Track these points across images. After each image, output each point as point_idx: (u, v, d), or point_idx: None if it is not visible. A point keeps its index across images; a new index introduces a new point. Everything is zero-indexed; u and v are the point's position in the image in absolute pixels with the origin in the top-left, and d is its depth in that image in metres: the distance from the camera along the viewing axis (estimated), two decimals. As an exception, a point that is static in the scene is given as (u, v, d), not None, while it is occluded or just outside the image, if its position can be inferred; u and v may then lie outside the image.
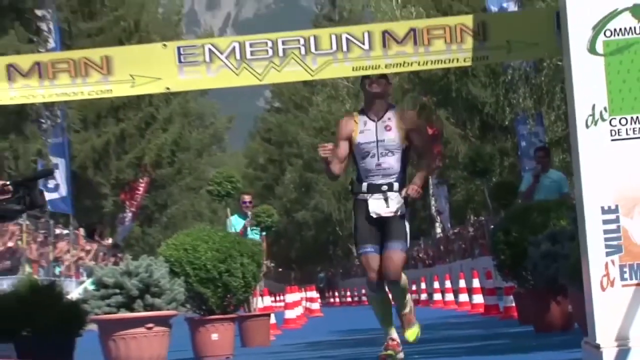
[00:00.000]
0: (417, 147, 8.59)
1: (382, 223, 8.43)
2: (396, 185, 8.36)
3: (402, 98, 47.46)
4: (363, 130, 8.38)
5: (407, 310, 9.02)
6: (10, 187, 7.07)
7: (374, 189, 8.37)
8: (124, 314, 10.46)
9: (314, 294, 36.99)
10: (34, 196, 7.31)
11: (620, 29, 5.60)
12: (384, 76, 8.40)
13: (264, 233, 17.78)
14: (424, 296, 35.76)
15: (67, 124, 40.58)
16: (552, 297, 12.21)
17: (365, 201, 8.42)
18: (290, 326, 23.40)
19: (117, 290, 10.46)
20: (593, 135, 5.56)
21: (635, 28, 5.59)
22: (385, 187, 8.34)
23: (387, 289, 8.79)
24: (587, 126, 5.49)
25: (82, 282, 28.43)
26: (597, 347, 5.58)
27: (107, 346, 10.58)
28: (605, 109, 5.61)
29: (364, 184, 8.43)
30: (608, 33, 5.64)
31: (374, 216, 8.32)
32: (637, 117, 5.63)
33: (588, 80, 5.66)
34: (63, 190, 39.07)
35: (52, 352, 8.24)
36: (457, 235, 46.32)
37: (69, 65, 6.33)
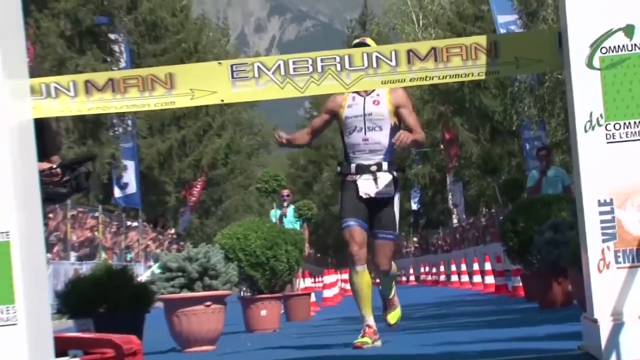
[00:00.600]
0: (406, 125, 7.58)
1: (371, 205, 7.63)
2: (385, 165, 7.51)
3: (423, 107, 50.26)
4: (351, 104, 7.60)
5: (391, 294, 8.55)
6: (58, 170, 7.10)
7: (363, 169, 7.52)
8: (186, 294, 10.78)
9: (348, 276, 36.59)
10: (79, 179, 7.23)
11: (615, 46, 5.54)
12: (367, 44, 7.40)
13: (305, 223, 18.71)
14: (442, 277, 37.13)
15: (136, 131, 42.32)
16: (554, 278, 12.31)
17: (354, 182, 7.59)
18: (327, 303, 23.83)
19: (180, 274, 10.81)
20: (591, 138, 5.56)
21: (627, 45, 5.55)
22: (374, 168, 7.50)
23: (368, 271, 8.02)
24: (585, 130, 5.51)
25: (149, 267, 28.64)
26: (595, 321, 5.49)
27: (171, 321, 10.86)
28: (601, 115, 5.53)
29: (352, 165, 7.58)
30: (604, 50, 5.57)
31: (364, 196, 7.50)
32: (630, 123, 5.51)
33: (586, 91, 5.61)
34: (133, 188, 42.38)
35: (125, 326, 7.98)
36: (471, 225, 46.43)
37: (137, 81, 6.43)
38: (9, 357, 5.51)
